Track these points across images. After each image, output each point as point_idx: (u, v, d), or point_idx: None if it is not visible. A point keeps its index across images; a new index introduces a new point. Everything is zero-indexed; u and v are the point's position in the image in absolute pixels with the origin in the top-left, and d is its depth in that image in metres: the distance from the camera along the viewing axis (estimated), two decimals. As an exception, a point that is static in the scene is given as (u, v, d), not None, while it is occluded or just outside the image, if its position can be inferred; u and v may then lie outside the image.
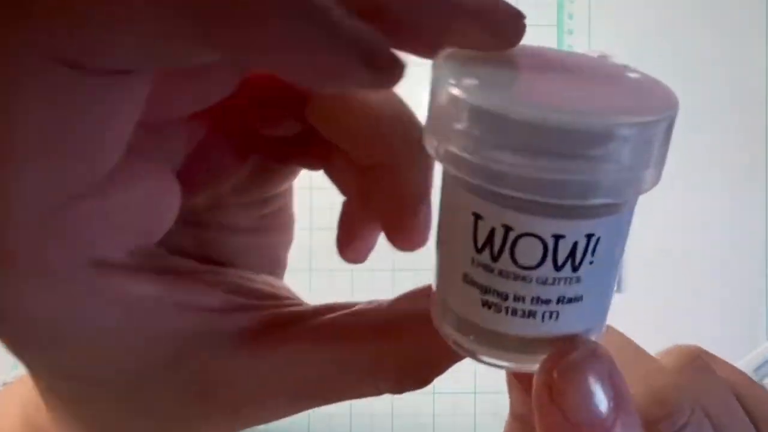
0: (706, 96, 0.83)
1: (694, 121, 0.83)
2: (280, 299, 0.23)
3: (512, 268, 0.18)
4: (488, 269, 0.18)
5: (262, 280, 0.25)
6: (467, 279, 0.18)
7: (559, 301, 0.18)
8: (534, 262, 0.17)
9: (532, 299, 0.18)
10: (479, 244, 0.18)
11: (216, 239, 0.25)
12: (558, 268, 0.17)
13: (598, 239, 0.17)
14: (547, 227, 0.17)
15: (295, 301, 0.24)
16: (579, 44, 0.80)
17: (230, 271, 0.24)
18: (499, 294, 0.18)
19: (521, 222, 0.17)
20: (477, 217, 0.18)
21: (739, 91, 0.84)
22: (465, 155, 0.17)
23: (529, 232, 0.17)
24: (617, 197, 0.17)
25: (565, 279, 0.18)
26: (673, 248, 0.84)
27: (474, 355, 0.19)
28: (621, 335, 0.28)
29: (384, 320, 0.22)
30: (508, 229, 0.17)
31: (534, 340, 0.19)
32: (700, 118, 0.83)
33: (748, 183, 0.83)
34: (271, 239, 0.27)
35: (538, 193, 0.16)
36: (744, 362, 0.44)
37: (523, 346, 0.19)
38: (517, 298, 0.18)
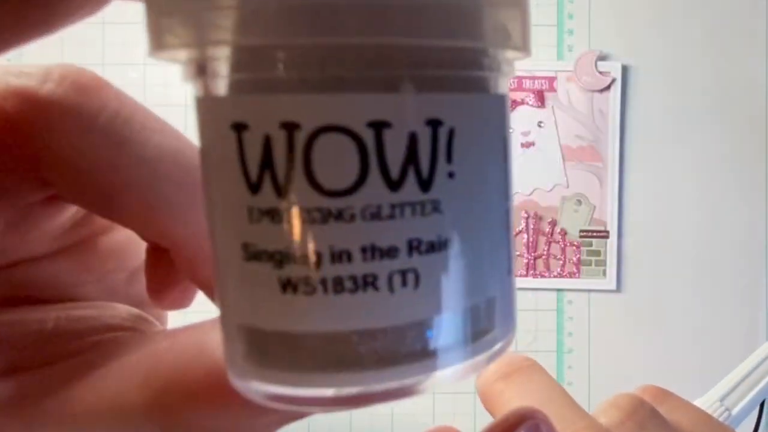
0: (706, 95, 0.83)
1: (694, 119, 0.83)
2: (113, 329, 0.19)
3: (316, 201, 0.10)
4: (276, 217, 0.10)
5: (108, 311, 0.19)
6: (248, 252, 0.11)
7: (412, 248, 0.11)
8: (350, 180, 0.10)
9: (364, 251, 0.10)
10: (252, 176, 0.11)
11: (15, 275, 0.19)
12: (393, 184, 0.10)
13: (452, 131, 0.11)
14: (357, 110, 0.10)
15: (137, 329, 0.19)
16: (579, 44, 0.80)
17: (53, 307, 0.19)
18: (304, 259, 0.10)
19: (311, 108, 0.10)
20: (239, 128, 0.11)
21: (739, 91, 0.84)
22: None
23: (328, 125, 0.10)
24: (460, 35, 0.10)
25: (413, 205, 0.11)
26: (673, 248, 0.84)
27: (290, 401, 0.11)
28: (549, 380, 0.23)
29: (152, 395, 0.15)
30: (291, 128, 0.10)
31: (385, 333, 0.11)
32: (700, 117, 0.83)
33: (748, 183, 0.83)
34: (89, 266, 0.20)
35: (326, 28, 0.10)
36: (712, 392, 0.43)
37: (369, 351, 0.11)
38: (337, 256, 0.10)
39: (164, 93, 0.78)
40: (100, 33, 0.79)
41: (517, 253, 0.72)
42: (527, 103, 0.75)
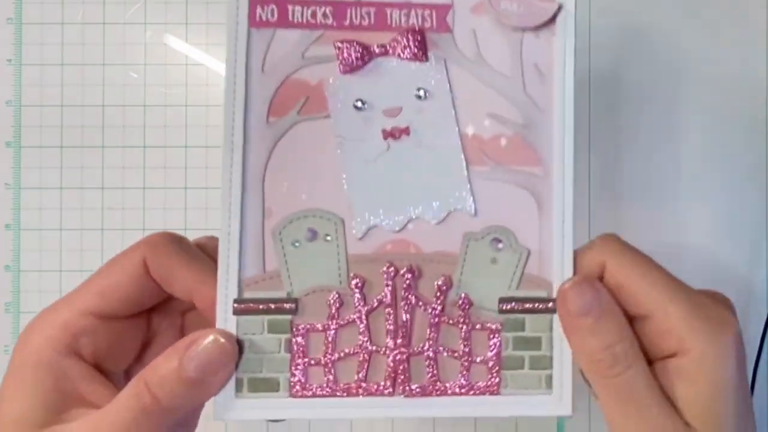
0: (707, 95, 0.83)
1: (694, 119, 0.83)
2: None
3: None
4: None
5: None
6: None
7: None
8: None
9: None
10: None
11: None
12: None
13: None
14: None
15: None
16: (579, 44, 0.80)
17: None
18: None
19: None
20: None
21: (741, 91, 0.83)
22: None
23: None
24: None
25: None
26: (673, 246, 0.83)
27: None
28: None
29: None
30: None
31: None
32: (700, 117, 0.83)
33: (748, 182, 0.83)
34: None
35: None
36: None
37: None
38: None
39: (164, 93, 0.78)
40: (100, 33, 0.79)
41: (376, 348, 0.37)
42: (397, 55, 0.37)
